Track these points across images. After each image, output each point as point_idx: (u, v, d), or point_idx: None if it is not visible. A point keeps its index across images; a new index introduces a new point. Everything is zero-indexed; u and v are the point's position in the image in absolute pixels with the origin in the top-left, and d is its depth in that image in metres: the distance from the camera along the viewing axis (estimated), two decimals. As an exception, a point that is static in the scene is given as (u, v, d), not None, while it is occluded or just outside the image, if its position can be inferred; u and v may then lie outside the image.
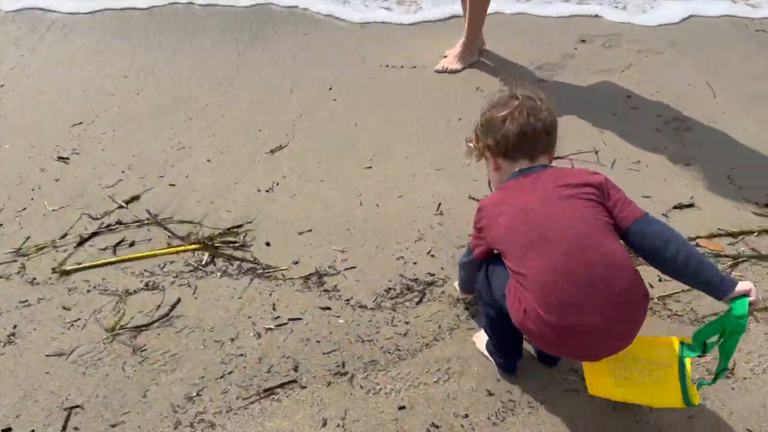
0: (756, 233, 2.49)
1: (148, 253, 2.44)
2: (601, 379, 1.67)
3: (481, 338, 2.06)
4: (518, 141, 1.76)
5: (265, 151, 3.06)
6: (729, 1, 4.46)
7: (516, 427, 1.84)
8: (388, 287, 2.30)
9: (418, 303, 2.23)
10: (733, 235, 2.49)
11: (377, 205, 2.69)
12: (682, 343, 1.59)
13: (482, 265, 1.85)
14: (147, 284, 2.32)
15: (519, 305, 1.64)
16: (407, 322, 2.16)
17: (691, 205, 2.66)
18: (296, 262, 2.42)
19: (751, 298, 1.51)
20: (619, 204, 1.69)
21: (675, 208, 2.64)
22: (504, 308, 1.74)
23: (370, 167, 2.93)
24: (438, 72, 3.69)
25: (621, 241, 1.67)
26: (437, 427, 1.84)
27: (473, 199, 2.71)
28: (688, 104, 3.37)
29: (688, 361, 1.55)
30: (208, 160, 2.99)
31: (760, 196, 2.71)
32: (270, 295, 2.28)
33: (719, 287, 1.54)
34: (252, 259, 2.43)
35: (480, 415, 1.87)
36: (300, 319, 2.19)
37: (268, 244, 2.51)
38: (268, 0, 4.46)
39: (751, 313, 1.51)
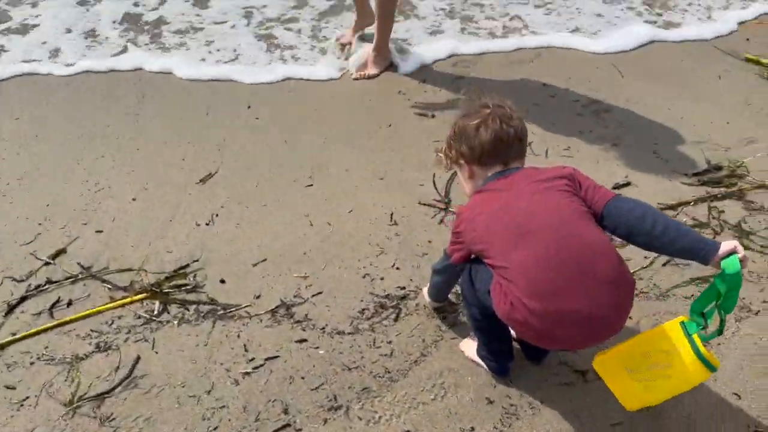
0: (692, 203, 2.63)
1: (91, 310, 2.21)
2: (630, 390, 1.65)
3: (468, 346, 2.03)
4: (493, 147, 1.76)
5: (194, 181, 2.87)
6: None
7: (525, 430, 1.83)
8: (361, 308, 2.21)
9: (395, 320, 2.17)
10: (672, 207, 2.61)
11: (329, 224, 2.60)
12: (682, 323, 1.61)
13: (465, 268, 1.83)
14: (98, 345, 2.10)
15: (505, 299, 1.62)
16: (390, 342, 2.10)
17: (627, 184, 2.77)
18: (258, 297, 2.28)
19: (739, 255, 1.51)
20: (590, 191, 1.71)
21: (614, 188, 2.74)
22: (489, 308, 1.72)
23: (312, 185, 2.83)
24: (356, 79, 3.63)
25: (600, 228, 1.69)
26: (447, 446, 1.80)
27: (423, 204, 2.68)
28: (600, 87, 3.52)
29: (695, 337, 1.57)
30: (134, 199, 2.77)
31: (686, 167, 2.87)
32: (238, 336, 2.13)
33: (703, 252, 1.54)
34: (209, 300, 2.27)
35: (486, 425, 1.84)
36: (277, 356, 2.06)
37: (222, 281, 2.35)
38: (139, 66, 3.79)
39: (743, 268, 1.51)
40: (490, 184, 1.78)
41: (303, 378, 1.99)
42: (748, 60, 3.67)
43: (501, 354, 1.93)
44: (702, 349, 1.54)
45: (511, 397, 1.92)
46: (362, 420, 1.86)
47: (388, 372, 2.00)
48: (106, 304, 2.24)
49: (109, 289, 2.31)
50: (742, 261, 1.52)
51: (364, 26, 3.79)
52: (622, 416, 1.84)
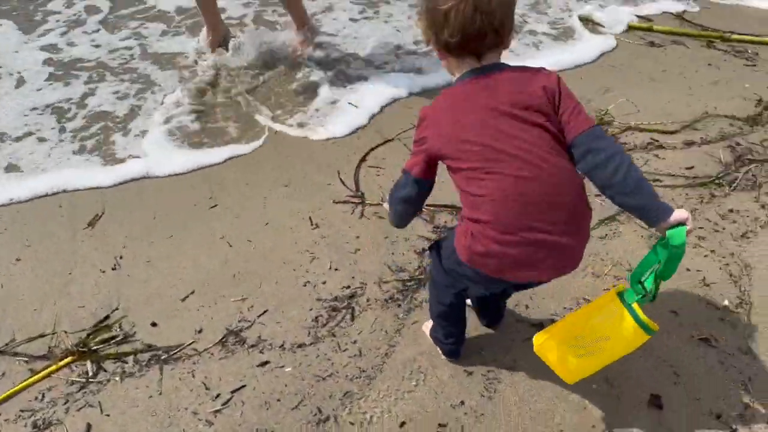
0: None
1: (14, 389, 1.94)
2: (570, 366, 1.65)
3: (429, 326, 2.05)
4: (462, 40, 1.55)
5: (81, 226, 2.60)
6: None
7: (509, 390, 1.90)
8: (314, 316, 2.15)
9: (352, 319, 2.14)
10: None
11: (249, 241, 2.48)
12: (620, 294, 1.59)
13: (431, 250, 1.83)
14: (35, 425, 1.85)
15: (465, 232, 1.57)
16: (354, 342, 2.07)
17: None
18: (200, 331, 2.13)
19: (688, 227, 1.46)
20: (567, 113, 1.55)
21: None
22: (459, 275, 1.68)
23: (216, 205, 2.68)
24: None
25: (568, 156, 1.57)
26: (444, 425, 1.82)
27: (338, 202, 2.65)
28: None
29: (635, 306, 1.55)
30: (18, 259, 2.45)
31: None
32: (193, 376, 1.99)
33: (653, 215, 1.48)
34: (146, 346, 2.08)
35: (473, 396, 1.89)
36: (243, 386, 1.95)
37: (154, 324, 2.16)
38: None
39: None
40: (462, 87, 1.59)
41: (279, 400, 1.90)
42: (630, 27, 4.02)
43: (457, 340, 1.95)
44: (641, 315, 1.55)
45: (487, 364, 1.98)
46: (355, 425, 1.83)
47: (363, 371, 1.97)
48: (29, 378, 1.97)
49: (26, 361, 2.03)
50: (688, 233, 1.47)
51: (219, 40, 3.66)
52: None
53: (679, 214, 1.47)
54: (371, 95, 3.37)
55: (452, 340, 1.95)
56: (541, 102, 1.53)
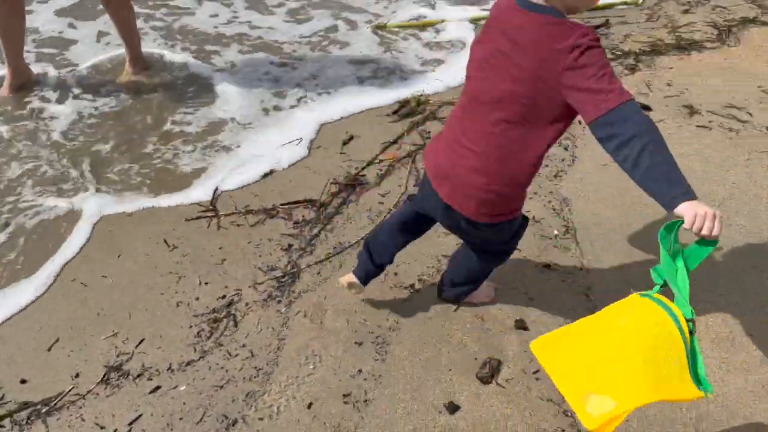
0: (406, 133, 3.11)
1: None
2: (582, 386, 1.28)
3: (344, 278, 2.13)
4: None
5: None
6: None
7: (398, 349, 2.06)
8: (196, 332, 2.15)
9: (236, 326, 2.16)
10: (395, 141, 3.05)
11: (104, 277, 2.38)
12: (644, 294, 1.42)
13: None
14: None
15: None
16: (243, 345, 2.10)
17: (351, 138, 3.12)
18: (77, 376, 2.03)
19: (685, 225, 1.38)
20: (578, 96, 1.49)
21: (343, 144, 3.07)
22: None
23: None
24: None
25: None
26: (348, 394, 1.92)
27: (190, 219, 2.63)
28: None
29: (661, 300, 1.38)
30: None
31: (386, 110, 3.33)
32: (83, 419, 1.90)
33: (662, 203, 1.43)
34: (21, 405, 1.94)
35: (368, 362, 2.02)
36: (140, 416, 1.90)
37: (23, 381, 2.02)
38: None
39: (700, 237, 1.39)
40: (508, 7, 1.60)
41: (181, 419, 1.88)
42: (377, 27, 4.30)
43: (375, 261, 2.05)
44: (670, 304, 1.34)
45: (373, 331, 2.12)
46: (264, 419, 1.87)
47: (260, 369, 2.02)
48: None
49: None
50: (698, 234, 1.38)
51: (20, 84, 3.41)
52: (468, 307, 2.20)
53: (679, 209, 1.40)
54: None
55: (369, 259, 2.05)
56: (555, 72, 1.50)
